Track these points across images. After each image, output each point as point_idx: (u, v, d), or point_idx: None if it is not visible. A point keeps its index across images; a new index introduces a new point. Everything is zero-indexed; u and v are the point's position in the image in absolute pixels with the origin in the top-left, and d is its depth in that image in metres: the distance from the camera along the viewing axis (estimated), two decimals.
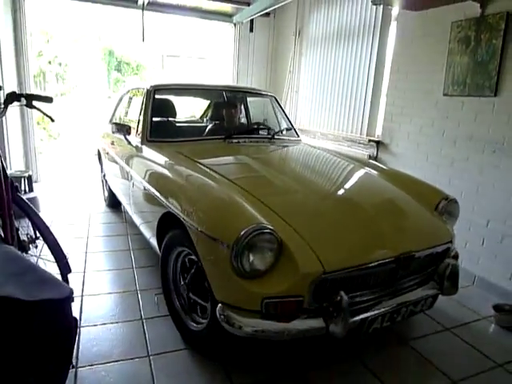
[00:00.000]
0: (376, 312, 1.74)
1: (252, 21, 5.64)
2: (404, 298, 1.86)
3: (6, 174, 2.07)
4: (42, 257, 2.38)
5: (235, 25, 5.73)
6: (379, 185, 2.46)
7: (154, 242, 2.46)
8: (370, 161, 3.23)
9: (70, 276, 2.21)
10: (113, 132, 3.09)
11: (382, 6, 3.84)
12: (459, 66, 3.04)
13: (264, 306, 1.58)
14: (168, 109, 3.19)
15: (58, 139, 11.00)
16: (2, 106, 2.11)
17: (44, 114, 2.28)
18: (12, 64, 4.72)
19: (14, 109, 4.75)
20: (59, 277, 2.33)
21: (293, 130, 3.48)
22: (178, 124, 3.36)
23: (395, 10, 3.80)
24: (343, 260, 1.69)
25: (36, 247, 2.42)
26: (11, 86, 4.62)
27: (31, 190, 4.17)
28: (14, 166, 4.47)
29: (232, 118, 3.30)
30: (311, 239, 1.69)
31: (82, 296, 2.59)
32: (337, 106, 4.67)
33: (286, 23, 5.66)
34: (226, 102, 3.44)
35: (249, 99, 3.78)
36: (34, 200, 4.07)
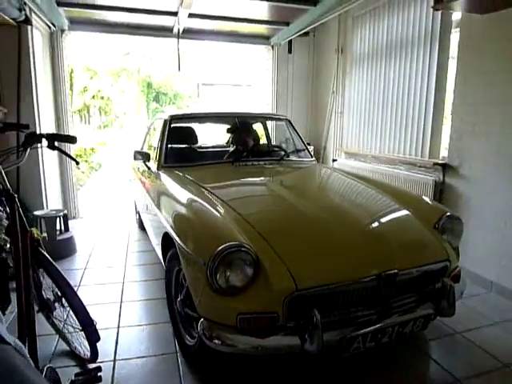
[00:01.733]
0: (354, 331, 1.70)
1: (290, 41, 5.36)
2: (392, 318, 1.80)
3: (25, 225, 1.79)
4: (68, 323, 2.06)
5: (273, 47, 5.47)
6: (376, 200, 2.46)
7: (162, 261, 2.55)
8: (377, 180, 3.24)
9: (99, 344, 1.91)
10: (134, 159, 3.33)
11: (439, 13, 3.41)
12: None
13: (239, 322, 1.64)
14: (184, 136, 3.41)
15: (99, 170, 11.15)
16: (22, 148, 1.86)
17: (68, 155, 2.01)
18: (50, 101, 4.67)
19: None
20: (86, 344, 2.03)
21: (306, 152, 3.55)
22: (192, 150, 3.47)
23: (456, 15, 3.36)
24: (317, 278, 1.71)
25: (63, 306, 2.11)
26: (49, 123, 4.56)
27: (67, 229, 3.98)
28: (51, 204, 4.33)
29: (244, 142, 3.38)
30: (288, 257, 1.73)
31: (119, 327, 2.55)
32: (390, 126, 4.21)
33: (327, 41, 5.33)
34: (237, 128, 3.58)
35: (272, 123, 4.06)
36: (69, 240, 3.89)
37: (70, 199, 5.11)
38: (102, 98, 26.63)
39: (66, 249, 3.82)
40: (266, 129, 4.09)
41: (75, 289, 3.09)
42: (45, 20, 4.24)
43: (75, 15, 4.48)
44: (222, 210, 2.04)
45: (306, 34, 5.35)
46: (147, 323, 2.61)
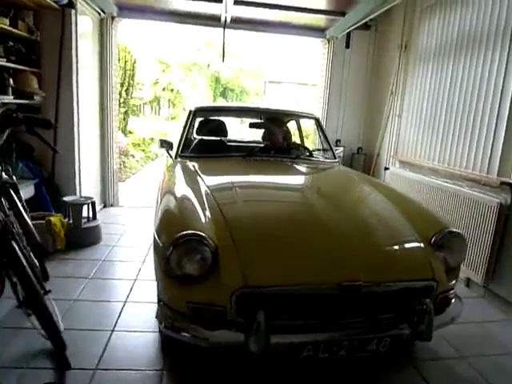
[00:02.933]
0: (301, 338, 1.65)
1: (349, 35, 4.88)
2: (350, 332, 1.70)
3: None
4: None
5: (329, 41, 5.02)
6: (372, 208, 2.39)
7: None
8: (388, 186, 3.09)
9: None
10: (160, 147, 3.34)
11: None
12: None
13: (187, 310, 1.68)
14: (209, 128, 3.43)
15: (155, 160, 11.40)
16: None
17: (45, 142, 1.82)
18: (95, 88, 4.68)
19: (94, 131, 4.68)
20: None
21: (330, 153, 3.41)
22: (212, 142, 3.38)
23: None
24: (268, 277, 1.67)
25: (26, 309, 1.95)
26: (90, 111, 4.57)
27: (94, 217, 3.93)
28: (86, 191, 4.32)
29: (268, 138, 3.42)
30: (246, 253, 1.71)
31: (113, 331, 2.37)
32: (454, 134, 3.60)
33: (390, 35, 4.77)
34: (260, 124, 3.71)
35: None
36: (94, 229, 3.83)
37: (110, 187, 5.12)
38: (172, 90, 27.58)
39: (90, 237, 3.76)
40: (299, 127, 4.00)
41: (85, 281, 3.04)
42: (92, 5, 4.22)
43: (123, 1, 4.42)
44: (204, 200, 2.05)
45: (367, 27, 4.84)
46: (146, 330, 2.39)
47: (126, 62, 9.53)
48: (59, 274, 3.08)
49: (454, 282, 1.99)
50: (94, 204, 3.89)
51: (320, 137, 3.53)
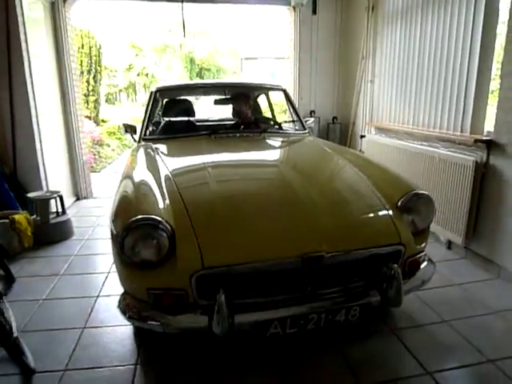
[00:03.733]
0: (266, 316, 1.62)
1: (315, 0, 4.67)
2: (317, 304, 1.68)
3: None
4: None
5: (295, 8, 4.81)
6: (335, 175, 2.37)
7: None
8: (356, 153, 3.10)
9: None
10: (124, 132, 3.26)
11: None
12: None
13: (149, 297, 1.62)
14: (173, 109, 3.38)
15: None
16: None
17: None
18: (54, 76, 4.42)
19: (57, 122, 4.46)
20: None
21: (300, 124, 3.32)
22: (177, 122, 3.23)
23: None
24: (227, 256, 1.62)
25: None
26: (51, 100, 4.33)
27: (64, 212, 3.76)
28: (55, 185, 4.13)
29: (236, 114, 3.29)
30: (204, 235, 1.65)
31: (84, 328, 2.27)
32: (426, 96, 3.49)
33: None
34: (224, 99, 3.57)
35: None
36: (64, 223, 3.67)
37: (81, 179, 4.93)
38: (147, 75, 26.87)
39: (60, 232, 3.61)
40: (268, 100, 3.87)
41: (55, 279, 2.91)
42: None
43: None
44: (163, 184, 1.98)
45: None
46: (118, 324, 2.28)
47: (90, 47, 9.11)
48: (27, 273, 2.96)
49: (423, 244, 1.94)
50: (61, 198, 3.71)
51: (289, 108, 3.42)
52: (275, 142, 2.97)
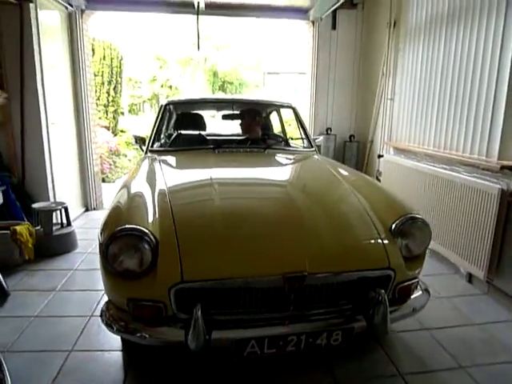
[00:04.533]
0: (243, 334, 1.59)
1: (335, 16, 4.56)
2: (298, 326, 1.64)
3: None
4: None
5: (313, 23, 4.70)
6: (330, 195, 2.29)
7: None
8: (358, 173, 2.82)
9: None
10: (135, 143, 3.33)
11: None
12: None
13: (129, 307, 1.63)
14: (183, 122, 3.43)
15: None
16: None
17: None
18: (68, 87, 4.42)
19: (69, 132, 4.45)
20: None
21: (306, 141, 3.29)
22: (186, 136, 3.21)
23: None
24: (206, 271, 1.59)
25: None
26: (65, 110, 4.32)
27: (69, 223, 3.70)
28: (63, 196, 4.09)
29: (245, 129, 3.30)
30: (187, 248, 1.64)
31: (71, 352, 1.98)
32: (449, 117, 3.28)
33: (378, 13, 4.43)
34: (232, 115, 3.55)
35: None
36: (68, 235, 3.60)
37: (91, 190, 4.89)
38: (170, 87, 27.25)
39: (62, 245, 3.53)
40: (280, 117, 3.86)
41: (51, 294, 2.81)
42: None
43: None
44: (156, 197, 1.97)
45: (354, 5, 4.51)
46: (108, 349, 2.15)
47: (112, 58, 9.26)
48: (24, 287, 2.88)
49: (417, 271, 1.87)
50: (66, 209, 3.65)
51: (298, 126, 3.37)
52: (278, 159, 2.94)
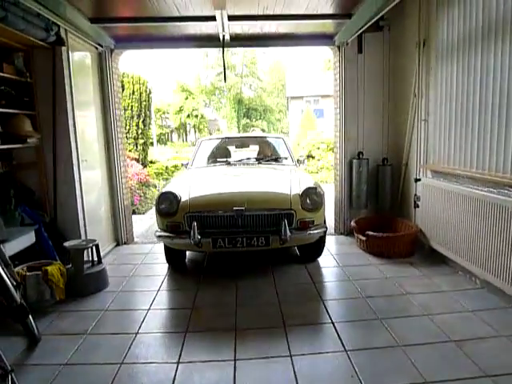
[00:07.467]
0: (214, 236, 3.43)
1: (360, 39, 4.47)
2: (241, 234, 3.43)
3: None
4: None
5: (339, 47, 4.63)
6: (278, 175, 4.34)
7: None
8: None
9: None
10: (182, 165, 5.93)
11: None
12: None
13: (167, 227, 3.58)
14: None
15: None
16: None
17: None
18: (99, 123, 4.51)
19: (99, 168, 4.49)
20: None
21: (290, 160, 5.04)
22: (208, 158, 5.25)
23: None
24: (199, 206, 3.52)
25: None
26: (94, 146, 4.38)
27: (100, 261, 3.66)
28: (94, 232, 4.09)
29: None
30: (192, 199, 3.58)
31: None
32: (492, 135, 3.04)
33: (406, 34, 4.31)
34: (240, 145, 6.02)
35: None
36: (98, 274, 3.54)
37: (122, 224, 4.88)
38: (196, 116, 27.95)
39: (93, 284, 3.48)
40: (285, 143, 5.49)
41: (81, 339, 2.72)
42: (87, 40, 4.07)
43: (117, 33, 4.27)
44: (184, 178, 4.28)
45: (380, 28, 4.41)
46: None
47: (140, 93, 9.54)
48: (54, 330, 2.80)
49: (314, 216, 3.57)
50: (97, 246, 3.62)
51: (287, 151, 5.22)
52: (263, 166, 4.75)
